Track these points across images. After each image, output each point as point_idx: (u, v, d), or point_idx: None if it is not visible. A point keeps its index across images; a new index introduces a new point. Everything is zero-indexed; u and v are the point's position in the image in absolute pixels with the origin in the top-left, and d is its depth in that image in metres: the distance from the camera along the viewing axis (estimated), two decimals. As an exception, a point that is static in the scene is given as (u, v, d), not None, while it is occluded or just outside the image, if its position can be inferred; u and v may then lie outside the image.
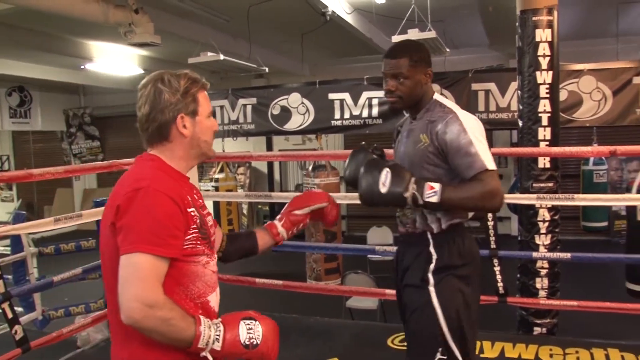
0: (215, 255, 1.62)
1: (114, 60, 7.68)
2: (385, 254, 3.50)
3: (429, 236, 2.08)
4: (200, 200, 1.58)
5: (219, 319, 1.42)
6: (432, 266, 2.04)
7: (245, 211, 9.57)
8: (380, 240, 7.15)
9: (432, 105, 2.09)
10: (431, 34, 4.68)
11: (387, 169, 1.92)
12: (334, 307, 4.97)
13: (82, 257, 4.60)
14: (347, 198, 3.67)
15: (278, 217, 1.93)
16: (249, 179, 10.20)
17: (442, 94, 5.18)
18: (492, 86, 5.06)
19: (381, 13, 6.32)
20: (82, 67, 8.11)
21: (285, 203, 1.96)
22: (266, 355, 1.42)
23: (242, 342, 1.38)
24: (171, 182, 1.46)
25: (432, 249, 2.06)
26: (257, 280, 3.79)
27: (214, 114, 6.21)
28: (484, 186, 1.87)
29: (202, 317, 1.39)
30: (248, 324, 1.41)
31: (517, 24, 3.70)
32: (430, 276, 2.03)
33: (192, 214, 1.46)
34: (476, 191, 1.88)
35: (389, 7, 6.06)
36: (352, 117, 5.56)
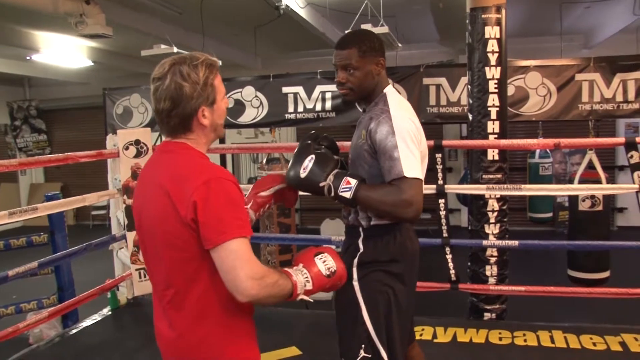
0: None
1: (62, 52, 7.48)
2: (341, 244, 3.55)
3: (360, 230, 2.06)
4: None
5: (300, 264, 1.59)
6: (355, 260, 2.03)
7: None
8: (333, 232, 7.17)
9: (380, 99, 2.05)
10: (384, 29, 4.77)
11: (312, 156, 1.94)
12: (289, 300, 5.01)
13: (33, 253, 4.50)
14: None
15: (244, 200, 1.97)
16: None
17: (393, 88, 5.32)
18: (442, 81, 5.16)
19: (334, 8, 6.39)
20: (28, 57, 7.85)
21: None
22: (343, 276, 1.63)
23: (325, 274, 1.58)
24: (218, 167, 1.52)
25: (359, 242, 2.05)
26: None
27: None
28: (399, 194, 1.83)
29: (288, 269, 1.55)
30: (321, 258, 1.60)
31: (467, 21, 3.81)
32: (354, 270, 2.01)
33: (244, 193, 1.60)
34: (390, 197, 1.85)
35: (341, 1, 6.13)
36: (306, 110, 5.59)
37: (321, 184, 1.91)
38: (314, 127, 5.89)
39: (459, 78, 5.13)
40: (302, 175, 1.92)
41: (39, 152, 11.41)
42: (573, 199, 4.80)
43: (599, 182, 4.61)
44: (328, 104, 5.52)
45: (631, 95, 4.78)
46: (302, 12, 6.18)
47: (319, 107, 5.55)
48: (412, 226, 2.11)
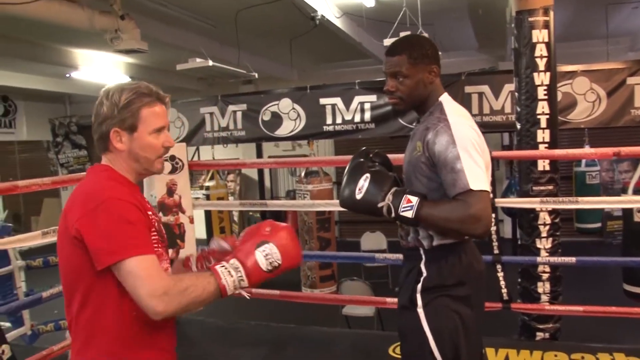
0: (168, 258, 1.63)
1: (100, 68, 7.56)
2: (385, 261, 3.41)
3: (421, 252, 1.91)
4: (152, 210, 1.62)
5: (235, 258, 1.43)
6: (419, 286, 1.88)
7: (236, 218, 9.45)
8: (374, 246, 7.10)
9: (436, 108, 1.91)
10: (424, 36, 4.61)
11: (368, 175, 1.83)
12: (330, 315, 4.89)
13: (52, 273, 4.49)
14: (319, 205, 3.57)
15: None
16: (239, 186, 10.10)
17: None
18: (485, 89, 5.00)
19: (371, 17, 6.27)
20: (67, 75, 7.97)
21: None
22: (290, 267, 1.48)
23: (265, 269, 1.42)
24: (126, 190, 1.51)
25: (422, 266, 1.90)
26: (253, 290, 3.70)
27: (203, 121, 6.03)
28: (466, 209, 1.70)
29: (218, 268, 1.42)
30: (263, 250, 1.43)
31: (512, 25, 3.64)
32: (418, 296, 1.87)
33: (151, 217, 1.54)
34: (457, 213, 1.71)
35: (378, 10, 6.01)
36: (344, 122, 5.49)
37: (379, 205, 1.79)
38: (353, 139, 5.79)
39: (502, 85, 4.96)
40: (358, 196, 1.81)
41: (79, 168, 11.58)
42: (627, 210, 4.56)
43: (656, 191, 4.37)
44: (367, 115, 5.41)
45: (687, 98, 4.53)
46: (338, 22, 6.09)
47: (357, 119, 5.44)
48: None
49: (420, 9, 5.34)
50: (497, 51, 8.78)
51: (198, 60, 5.43)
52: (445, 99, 1.94)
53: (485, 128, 5.13)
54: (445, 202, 1.77)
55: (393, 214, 1.76)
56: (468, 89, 5.04)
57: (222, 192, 7.49)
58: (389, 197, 1.77)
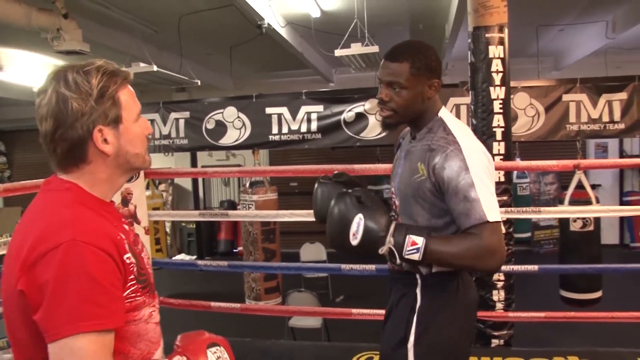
0: (157, 301, 1.29)
1: (27, 70, 7.13)
2: (351, 272, 3.38)
3: (417, 277, 1.74)
4: (133, 232, 1.28)
5: (184, 356, 1.18)
6: (415, 317, 1.71)
7: (168, 229, 9.17)
8: (313, 257, 7.06)
9: (436, 125, 1.72)
10: (374, 48, 4.68)
11: (360, 216, 1.59)
12: (275, 327, 4.82)
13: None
14: (283, 215, 3.51)
15: None
16: (171, 195, 9.81)
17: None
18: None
19: (316, 28, 6.29)
20: (-12, 76, 7.47)
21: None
22: None
23: None
24: (98, 222, 1.13)
25: (418, 293, 1.73)
26: (213, 304, 3.57)
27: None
28: (479, 243, 1.55)
29: None
30: (215, 351, 1.22)
31: (469, 40, 3.75)
32: (412, 329, 1.70)
33: (128, 261, 1.14)
34: (470, 248, 1.57)
35: (322, 21, 6.04)
36: (291, 131, 5.45)
37: (381, 251, 1.59)
38: (301, 149, 5.77)
39: (447, 99, 5.09)
40: (354, 242, 1.59)
41: (-4, 176, 10.90)
42: (564, 220, 4.78)
43: (589, 202, 4.59)
44: (314, 125, 5.41)
45: (617, 115, 4.84)
46: (282, 32, 6.06)
47: (304, 128, 5.43)
48: None
49: (367, 21, 5.41)
50: (432, 66, 9.02)
51: (142, 64, 5.23)
52: (445, 114, 1.78)
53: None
54: (454, 238, 1.63)
55: (397, 259, 1.59)
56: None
57: (158, 202, 7.24)
58: (390, 239, 1.58)
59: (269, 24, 5.46)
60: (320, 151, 8.05)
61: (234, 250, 9.42)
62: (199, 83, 6.53)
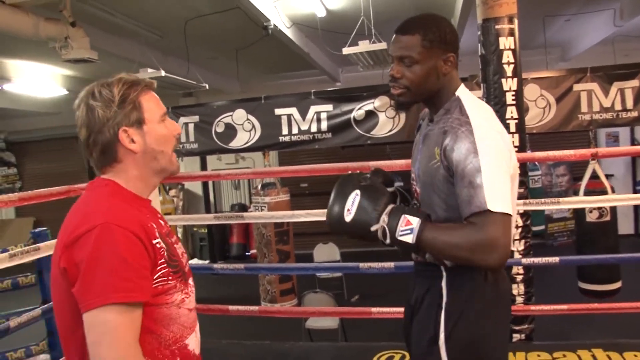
0: (193, 289, 1.40)
1: (36, 81, 7.16)
2: (370, 270, 3.35)
3: (442, 269, 1.62)
4: (167, 227, 1.39)
5: None
6: (442, 314, 1.59)
7: (180, 235, 9.18)
8: (327, 257, 7.05)
9: (453, 106, 1.60)
10: (382, 45, 4.65)
11: (357, 191, 1.53)
12: (292, 329, 4.80)
13: (19, 295, 4.19)
14: (299, 216, 3.49)
15: None
16: (182, 201, 9.82)
17: (391, 106, 5.21)
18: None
19: (320, 27, 6.28)
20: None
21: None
22: None
23: None
24: (130, 211, 1.26)
25: (443, 286, 1.61)
26: (231, 307, 3.56)
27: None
28: (477, 233, 1.41)
29: None
30: None
31: (479, 32, 3.71)
32: (441, 327, 1.58)
33: (158, 245, 1.26)
34: (466, 239, 1.43)
35: (328, 21, 6.02)
36: (301, 132, 5.43)
37: (373, 228, 1.49)
38: (310, 149, 5.74)
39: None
40: (347, 218, 1.51)
41: (8, 187, 10.92)
42: (580, 211, 4.73)
43: (604, 192, 4.55)
44: (324, 125, 5.38)
45: (629, 103, 4.77)
46: (288, 32, 6.05)
47: (314, 128, 5.40)
48: None
49: (372, 18, 5.39)
50: (438, 62, 8.98)
51: (150, 70, 5.23)
52: (464, 93, 1.64)
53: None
54: (454, 226, 1.50)
55: (389, 239, 1.48)
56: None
57: (169, 208, 7.26)
58: (384, 218, 1.48)
59: (274, 24, 5.45)
60: (330, 151, 8.02)
61: (247, 254, 9.41)
62: (207, 87, 6.53)
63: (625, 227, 8.51)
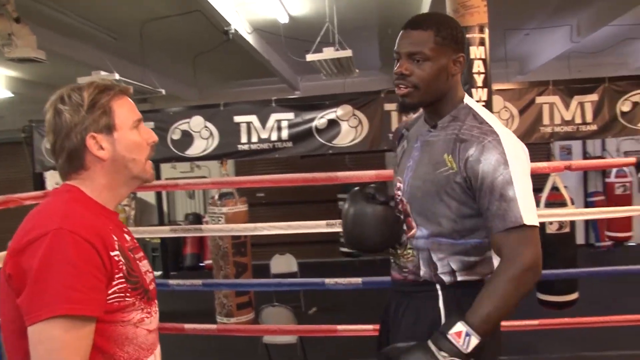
0: (157, 310, 1.31)
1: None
2: (335, 287, 3.20)
3: (438, 288, 1.54)
4: (132, 242, 1.31)
5: None
6: None
7: (132, 245, 8.84)
8: (284, 268, 6.91)
9: (463, 112, 1.55)
10: (347, 52, 4.56)
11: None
12: (248, 343, 4.64)
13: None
14: (256, 229, 3.33)
15: None
16: (134, 210, 9.47)
17: (354, 115, 5.12)
18: (404, 106, 5.01)
19: (282, 34, 6.15)
20: None
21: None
22: None
23: None
24: (89, 218, 1.17)
25: (441, 307, 1.52)
26: (186, 326, 3.35)
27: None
28: (510, 267, 1.36)
29: None
30: None
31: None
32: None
33: (117, 258, 1.17)
34: (507, 288, 1.36)
35: (291, 27, 5.90)
36: (260, 140, 5.26)
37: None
38: (270, 158, 5.58)
39: (420, 103, 5.00)
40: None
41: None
42: (540, 223, 4.74)
43: (564, 204, 4.57)
44: (284, 133, 5.23)
45: (589, 117, 4.83)
46: (250, 38, 5.91)
47: (274, 137, 5.24)
48: None
49: (337, 26, 5.30)
50: (398, 72, 9.00)
51: (103, 73, 4.98)
52: (472, 102, 1.61)
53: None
54: (487, 287, 1.40)
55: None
56: (387, 106, 5.02)
57: (121, 218, 6.93)
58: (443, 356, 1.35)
59: (236, 29, 5.30)
60: (288, 160, 7.90)
61: (200, 264, 9.14)
62: (164, 92, 6.30)
63: (578, 237, 8.68)
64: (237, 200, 5.37)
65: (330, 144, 5.21)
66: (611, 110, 4.72)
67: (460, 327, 1.35)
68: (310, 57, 4.61)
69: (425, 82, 1.51)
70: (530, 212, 1.40)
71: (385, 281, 4.28)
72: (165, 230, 4.41)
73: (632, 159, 3.74)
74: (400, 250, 1.62)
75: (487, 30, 3.52)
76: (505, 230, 1.40)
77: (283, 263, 7.01)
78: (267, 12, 5.48)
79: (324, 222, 3.09)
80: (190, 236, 9.04)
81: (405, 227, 1.62)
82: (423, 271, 1.56)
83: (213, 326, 3.44)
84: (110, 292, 1.13)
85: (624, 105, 4.72)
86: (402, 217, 1.63)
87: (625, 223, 8.16)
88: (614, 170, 8.21)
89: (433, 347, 1.36)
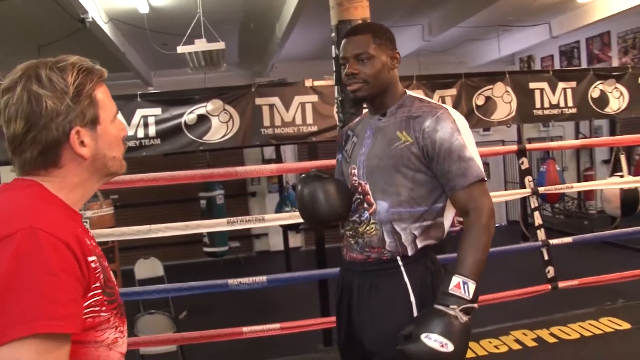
0: (126, 327, 1.11)
1: None
2: (240, 287, 3.04)
3: (400, 262, 1.72)
4: (98, 248, 1.09)
5: None
6: (414, 308, 1.67)
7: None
8: (150, 273, 6.51)
9: (409, 100, 1.80)
10: (220, 45, 4.41)
11: (449, 322, 1.51)
12: (126, 355, 4.31)
13: None
14: (124, 234, 3.07)
15: None
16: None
17: (224, 110, 4.97)
18: (276, 100, 4.96)
19: (140, 25, 5.81)
20: None
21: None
22: None
23: None
24: (62, 218, 0.97)
25: (406, 280, 1.70)
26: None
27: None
28: (480, 217, 1.62)
29: None
30: None
31: (332, 34, 3.66)
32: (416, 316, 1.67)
33: (94, 265, 0.98)
34: (482, 236, 1.61)
35: (152, 18, 5.60)
36: (126, 137, 4.91)
37: (463, 321, 1.53)
38: (137, 156, 5.23)
39: (292, 97, 5.00)
40: (447, 350, 1.47)
41: None
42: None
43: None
44: (152, 130, 4.92)
45: (449, 110, 5.17)
46: (106, 28, 5.50)
47: (141, 134, 4.91)
48: None
49: (202, 19, 5.11)
50: (256, 67, 8.98)
51: None
52: (414, 93, 1.87)
53: (278, 140, 5.12)
54: (464, 240, 1.62)
55: (469, 306, 1.54)
56: (259, 100, 4.95)
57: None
58: (462, 316, 1.52)
59: (93, 18, 4.89)
60: (144, 159, 7.50)
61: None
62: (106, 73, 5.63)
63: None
64: (102, 202, 4.99)
65: (201, 140, 5.00)
66: (468, 103, 5.10)
67: (456, 279, 1.55)
68: (181, 49, 4.39)
69: (372, 77, 1.76)
70: (482, 169, 1.67)
71: (289, 278, 4.19)
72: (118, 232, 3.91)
73: (514, 147, 4.07)
74: (362, 228, 1.76)
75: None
76: (468, 186, 1.64)
77: (148, 267, 6.61)
78: (126, 1, 5.13)
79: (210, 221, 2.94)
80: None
81: (366, 205, 1.77)
82: (388, 242, 1.72)
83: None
84: (85, 304, 0.94)
85: (479, 99, 5.12)
86: (361, 197, 1.80)
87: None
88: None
89: (441, 307, 1.53)
